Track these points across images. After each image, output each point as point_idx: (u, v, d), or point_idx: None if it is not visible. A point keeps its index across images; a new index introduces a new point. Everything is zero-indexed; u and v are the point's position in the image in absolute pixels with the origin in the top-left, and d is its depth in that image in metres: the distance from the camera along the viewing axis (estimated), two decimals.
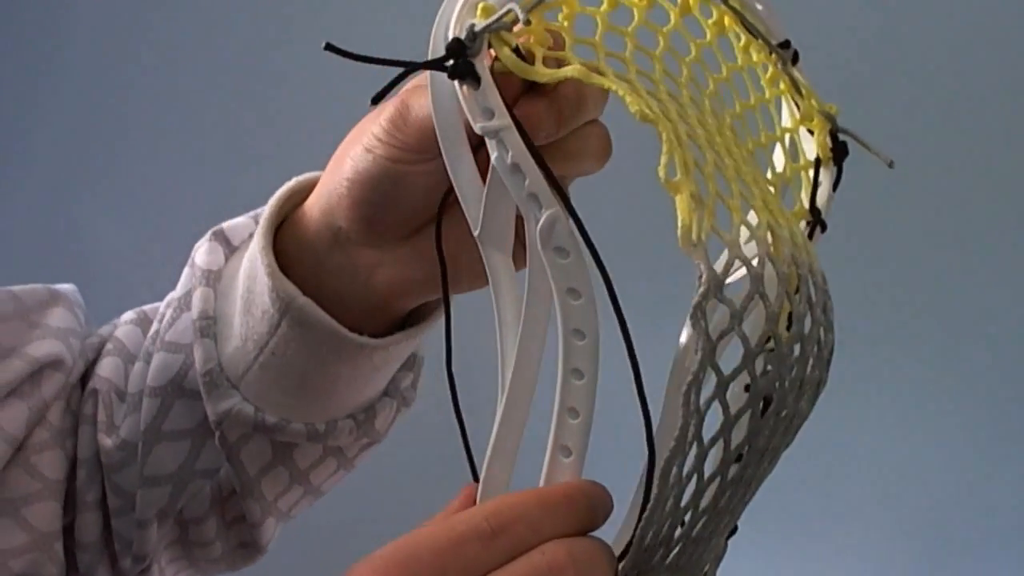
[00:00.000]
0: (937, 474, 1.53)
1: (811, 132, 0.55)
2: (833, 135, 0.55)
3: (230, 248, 0.62)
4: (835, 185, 0.56)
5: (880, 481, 1.56)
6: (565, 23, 0.46)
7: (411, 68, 0.43)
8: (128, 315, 0.67)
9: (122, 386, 0.64)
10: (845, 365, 1.55)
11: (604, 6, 0.48)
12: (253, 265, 0.58)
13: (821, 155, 0.54)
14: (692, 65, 0.50)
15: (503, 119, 0.43)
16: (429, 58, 0.44)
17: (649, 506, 0.43)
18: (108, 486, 0.63)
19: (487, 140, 0.44)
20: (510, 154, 0.43)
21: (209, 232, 0.62)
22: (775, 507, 1.60)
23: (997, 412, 1.49)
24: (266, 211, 0.58)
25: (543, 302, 0.46)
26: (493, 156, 0.44)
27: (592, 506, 0.44)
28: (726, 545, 0.51)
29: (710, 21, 0.51)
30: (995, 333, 1.49)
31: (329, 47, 0.44)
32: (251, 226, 0.63)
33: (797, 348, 0.44)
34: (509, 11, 0.42)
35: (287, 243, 0.58)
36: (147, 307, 0.67)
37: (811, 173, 0.54)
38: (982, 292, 1.50)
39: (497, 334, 0.48)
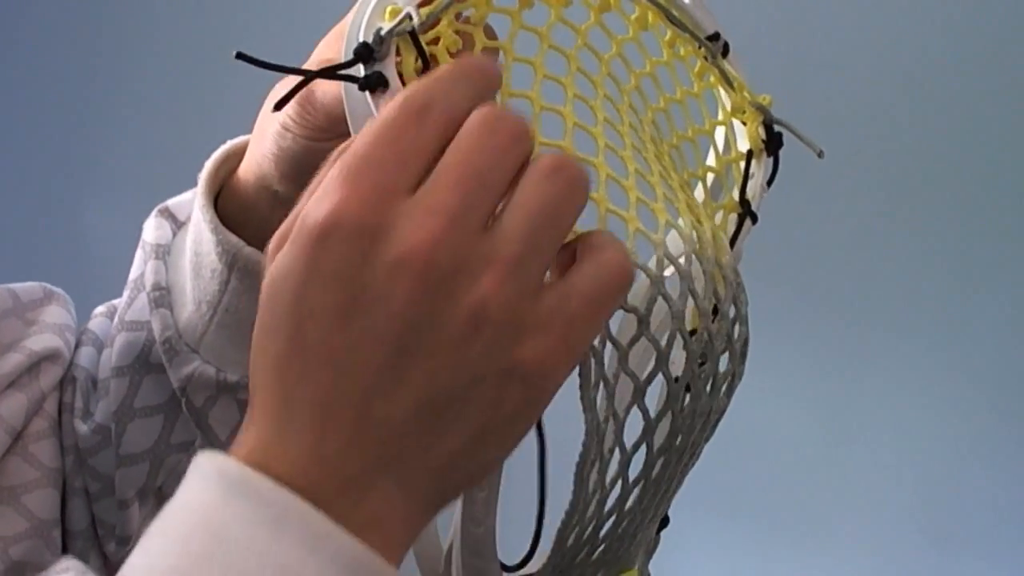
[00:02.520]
0: (937, 473, 1.53)
1: (744, 124, 0.54)
2: (767, 126, 0.55)
3: (176, 223, 0.64)
4: (772, 175, 0.55)
5: (880, 480, 1.56)
6: (478, 23, 0.46)
7: (313, 76, 0.43)
8: (100, 308, 0.69)
9: (95, 373, 0.66)
10: (843, 366, 1.56)
11: (518, 5, 0.47)
12: (198, 228, 0.59)
13: (753, 147, 0.54)
14: (611, 62, 0.49)
15: None
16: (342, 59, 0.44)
17: (566, 511, 0.43)
18: (86, 471, 0.65)
19: None
20: None
21: (155, 210, 0.64)
22: (776, 506, 1.60)
23: (998, 411, 1.49)
24: (203, 174, 0.60)
25: None
26: None
27: (486, 68, 0.41)
28: (658, 538, 0.51)
29: (632, 16, 0.51)
30: (996, 331, 1.49)
31: (240, 56, 0.44)
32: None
33: (705, 344, 0.43)
34: (407, 16, 0.42)
35: (228, 205, 0.60)
36: (116, 300, 0.69)
37: (742, 165, 0.54)
38: (983, 291, 1.49)
39: None
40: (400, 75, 0.43)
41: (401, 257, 0.36)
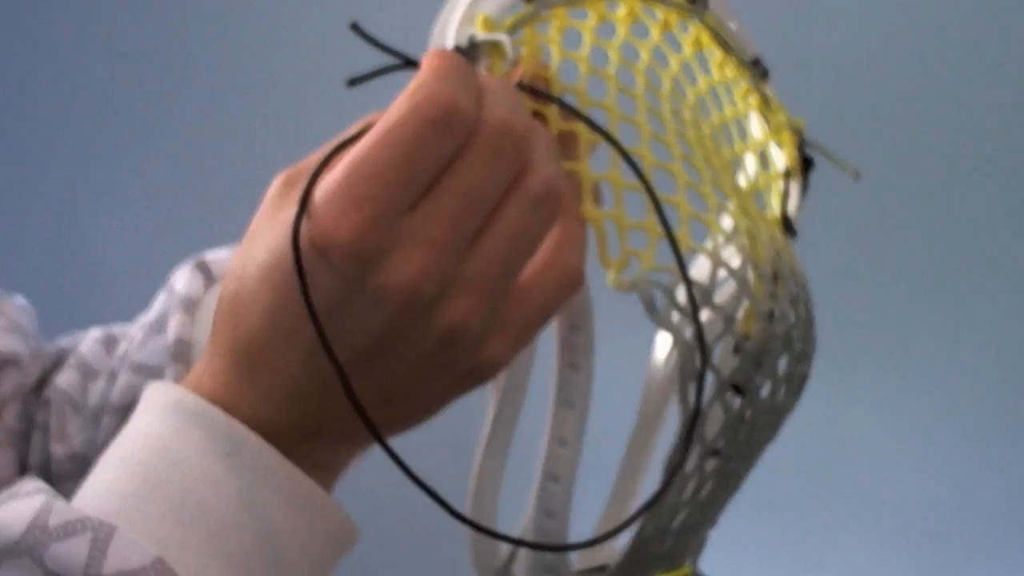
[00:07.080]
0: (934, 476, 1.56)
1: (780, 145, 0.57)
2: (801, 148, 0.58)
3: (210, 280, 0.63)
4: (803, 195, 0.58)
5: (878, 483, 1.58)
6: (556, 36, 0.48)
7: (407, 65, 0.44)
8: (95, 332, 0.68)
9: (78, 399, 0.64)
10: (844, 366, 1.58)
11: (592, 20, 0.49)
12: None
13: (790, 167, 0.57)
14: (673, 79, 0.52)
15: None
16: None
17: (658, 499, 0.44)
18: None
19: None
20: None
21: (192, 262, 0.64)
22: (778, 507, 1.62)
23: (995, 414, 1.52)
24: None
25: None
26: None
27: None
28: (705, 537, 0.53)
29: (688, 38, 0.54)
30: (992, 335, 1.52)
31: (355, 27, 0.44)
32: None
33: (780, 344, 0.46)
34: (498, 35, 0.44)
35: None
36: (115, 327, 0.68)
37: (781, 184, 0.56)
38: (979, 295, 1.53)
39: None
40: None
41: (388, 288, 0.38)
